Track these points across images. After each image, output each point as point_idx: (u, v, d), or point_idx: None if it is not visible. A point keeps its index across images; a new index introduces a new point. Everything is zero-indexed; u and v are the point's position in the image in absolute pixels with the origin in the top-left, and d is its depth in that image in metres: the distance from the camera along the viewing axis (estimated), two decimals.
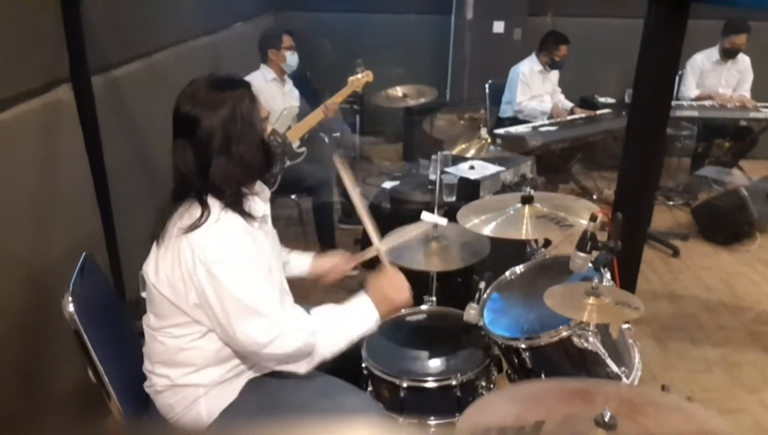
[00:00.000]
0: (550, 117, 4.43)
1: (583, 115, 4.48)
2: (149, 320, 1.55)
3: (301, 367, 1.50)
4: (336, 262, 1.91)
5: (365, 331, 1.57)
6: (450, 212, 2.17)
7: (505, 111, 4.60)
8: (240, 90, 1.49)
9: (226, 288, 1.40)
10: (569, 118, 4.39)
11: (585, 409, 1.11)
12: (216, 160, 1.45)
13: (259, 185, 1.62)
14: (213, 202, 1.46)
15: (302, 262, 1.91)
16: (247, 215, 1.50)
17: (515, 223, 1.89)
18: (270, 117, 1.62)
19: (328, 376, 1.62)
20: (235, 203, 1.48)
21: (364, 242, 3.47)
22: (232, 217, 1.47)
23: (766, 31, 4.84)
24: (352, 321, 1.55)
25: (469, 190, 2.81)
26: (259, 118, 1.52)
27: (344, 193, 3.84)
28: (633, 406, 1.13)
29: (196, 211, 1.44)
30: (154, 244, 1.50)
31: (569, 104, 4.67)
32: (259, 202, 1.57)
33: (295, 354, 1.47)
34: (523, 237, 1.86)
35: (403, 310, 2.03)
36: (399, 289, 1.61)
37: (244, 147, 1.47)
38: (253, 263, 1.45)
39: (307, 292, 1.94)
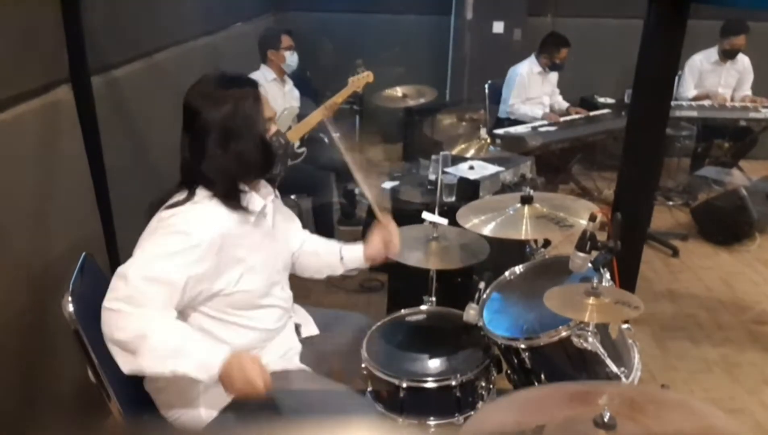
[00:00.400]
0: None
1: (578, 116, 4.48)
2: None
3: (123, 362, 1.37)
4: (383, 240, 1.84)
5: (193, 375, 1.36)
6: (450, 212, 2.17)
7: (504, 111, 4.60)
8: (245, 88, 1.51)
9: (148, 242, 1.42)
10: (563, 119, 4.38)
11: (585, 411, 1.11)
12: (211, 151, 1.46)
13: (261, 183, 1.63)
14: (201, 191, 1.48)
15: (355, 254, 1.86)
16: (242, 209, 1.51)
17: (515, 223, 1.89)
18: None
19: (332, 381, 1.62)
20: (227, 197, 1.49)
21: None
22: (213, 204, 1.48)
23: (766, 31, 4.84)
24: (191, 358, 1.36)
25: (468, 190, 2.81)
26: (262, 117, 1.53)
27: (344, 194, 3.85)
28: (634, 405, 1.13)
29: (183, 195, 1.48)
30: None
31: (565, 104, 4.67)
32: (257, 198, 1.58)
33: (120, 341, 1.36)
34: (523, 237, 1.86)
35: (402, 311, 2.04)
36: (248, 381, 1.35)
37: (243, 144, 1.48)
38: (191, 251, 1.41)
39: (308, 291, 1.95)
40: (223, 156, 1.47)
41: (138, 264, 1.39)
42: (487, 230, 1.88)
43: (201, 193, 1.48)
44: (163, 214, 1.46)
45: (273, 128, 1.59)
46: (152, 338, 1.34)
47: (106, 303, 1.37)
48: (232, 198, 1.50)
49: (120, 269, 1.39)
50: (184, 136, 1.51)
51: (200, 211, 1.46)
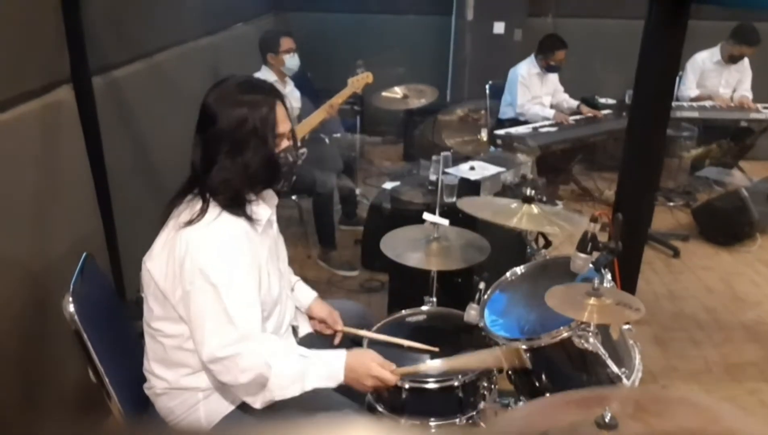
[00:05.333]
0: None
1: (588, 115, 4.47)
2: (147, 317, 1.55)
3: (256, 401, 1.43)
4: (329, 317, 1.86)
5: (321, 387, 1.46)
6: (450, 213, 2.17)
7: (505, 112, 4.59)
8: (261, 96, 1.49)
9: (209, 292, 1.39)
10: (572, 118, 4.38)
11: (588, 414, 1.11)
12: (220, 162, 1.45)
13: (267, 191, 1.61)
14: (214, 202, 1.47)
15: (305, 297, 1.89)
16: (249, 218, 1.50)
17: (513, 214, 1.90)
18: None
19: (331, 391, 1.62)
20: (233, 206, 1.48)
21: (364, 243, 3.48)
22: (231, 219, 1.47)
23: (766, 31, 4.84)
24: (315, 375, 1.45)
25: (469, 190, 2.81)
26: (274, 130, 1.49)
27: (344, 194, 3.85)
28: (638, 405, 1.13)
29: (197, 206, 1.46)
30: (158, 236, 1.52)
31: (575, 103, 4.61)
32: (264, 207, 1.56)
33: (247, 384, 1.41)
34: (514, 225, 1.86)
35: (403, 311, 2.04)
36: (373, 387, 1.52)
37: (250, 156, 1.46)
38: (243, 272, 1.44)
39: None
40: (230, 167, 1.45)
41: (229, 298, 1.39)
42: (485, 216, 1.88)
43: (213, 205, 1.46)
44: (188, 236, 1.42)
45: (285, 143, 1.55)
46: (275, 367, 1.39)
47: (219, 352, 1.38)
48: (236, 206, 1.48)
49: (209, 317, 1.38)
50: (197, 139, 1.49)
51: (225, 228, 1.45)
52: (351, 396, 1.63)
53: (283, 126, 1.52)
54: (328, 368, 1.47)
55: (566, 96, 4.69)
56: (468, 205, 1.99)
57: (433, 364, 1.63)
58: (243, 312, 1.41)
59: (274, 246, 1.66)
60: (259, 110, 1.47)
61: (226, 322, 1.38)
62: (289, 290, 1.77)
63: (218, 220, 1.45)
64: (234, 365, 1.38)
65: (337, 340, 1.84)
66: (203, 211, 1.45)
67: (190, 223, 1.43)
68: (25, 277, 1.86)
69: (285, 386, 1.41)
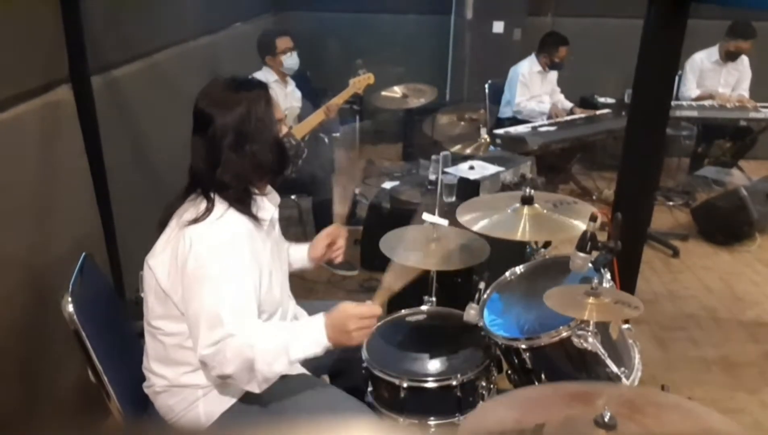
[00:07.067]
0: (549, 117, 4.43)
1: (582, 115, 4.48)
2: (147, 315, 1.55)
3: (254, 386, 1.42)
4: (327, 242, 1.88)
5: (309, 355, 1.44)
6: (450, 213, 2.17)
7: (505, 112, 4.60)
8: (256, 91, 1.51)
9: (207, 290, 1.40)
10: (568, 118, 4.40)
11: (585, 410, 1.11)
12: (226, 156, 1.46)
13: (268, 188, 1.62)
14: (219, 200, 1.48)
15: (300, 254, 1.89)
16: (254, 217, 1.51)
17: (513, 223, 1.89)
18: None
19: (331, 386, 1.62)
20: (241, 202, 1.49)
21: (364, 242, 3.48)
22: (236, 217, 1.48)
23: (766, 31, 4.84)
24: (298, 343, 1.42)
25: (468, 190, 2.81)
26: (274, 119, 1.53)
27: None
28: (633, 407, 1.13)
29: (202, 205, 1.46)
30: (161, 235, 1.52)
31: (569, 104, 4.67)
32: (268, 204, 1.58)
33: (235, 372, 1.39)
34: (519, 237, 1.86)
35: (403, 311, 2.04)
36: (361, 331, 1.45)
37: (257, 146, 1.48)
38: (242, 271, 1.44)
39: (308, 292, 1.95)
40: (238, 159, 1.47)
41: (225, 298, 1.40)
42: (486, 229, 1.88)
43: (219, 203, 1.47)
44: (193, 233, 1.43)
45: (284, 129, 1.60)
46: (257, 345, 1.38)
47: (205, 351, 1.38)
48: (244, 203, 1.50)
49: (204, 316, 1.39)
50: (198, 141, 1.50)
51: (230, 226, 1.46)
52: (353, 395, 1.63)
53: (279, 112, 1.57)
54: (310, 333, 1.44)
55: (561, 96, 4.71)
56: (467, 210, 1.97)
57: (392, 279, 1.64)
58: (235, 312, 1.41)
59: (276, 247, 1.66)
60: (258, 102, 1.50)
61: (217, 323, 1.38)
62: (290, 292, 1.77)
63: (223, 218, 1.46)
64: (222, 357, 1.38)
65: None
66: (209, 210, 1.45)
67: (195, 221, 1.44)
68: (24, 276, 1.86)
69: (271, 361, 1.39)
